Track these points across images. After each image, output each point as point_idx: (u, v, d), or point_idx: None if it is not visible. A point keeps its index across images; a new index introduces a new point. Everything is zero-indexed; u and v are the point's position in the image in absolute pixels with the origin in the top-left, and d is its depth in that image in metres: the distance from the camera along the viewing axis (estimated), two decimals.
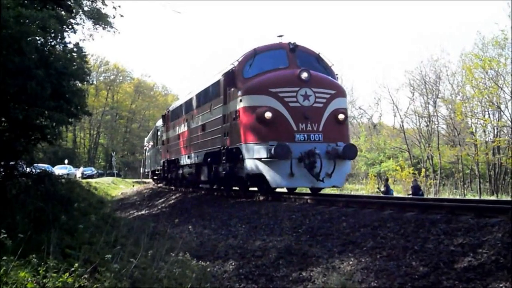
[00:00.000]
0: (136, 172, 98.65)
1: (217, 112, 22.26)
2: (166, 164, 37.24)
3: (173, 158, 33.57)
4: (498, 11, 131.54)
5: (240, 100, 19.22)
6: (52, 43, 18.76)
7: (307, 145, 17.96)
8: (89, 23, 23.91)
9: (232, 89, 20.36)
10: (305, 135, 18.19)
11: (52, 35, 17.84)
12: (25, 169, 20.33)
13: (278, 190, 20.79)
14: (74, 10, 21.63)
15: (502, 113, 52.02)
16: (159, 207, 26.99)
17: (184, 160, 29.28)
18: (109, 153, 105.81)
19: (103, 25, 24.27)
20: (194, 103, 27.29)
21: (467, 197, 38.51)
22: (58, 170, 51.16)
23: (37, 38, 16.87)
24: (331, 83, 19.50)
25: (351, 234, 11.11)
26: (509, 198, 38.28)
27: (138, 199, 35.32)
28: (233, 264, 11.25)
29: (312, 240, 11.60)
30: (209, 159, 23.56)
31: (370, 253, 9.60)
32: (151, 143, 52.18)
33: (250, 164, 18.53)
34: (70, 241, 10.66)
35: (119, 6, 23.92)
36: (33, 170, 20.61)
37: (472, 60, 51.96)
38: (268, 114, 18.17)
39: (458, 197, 39.17)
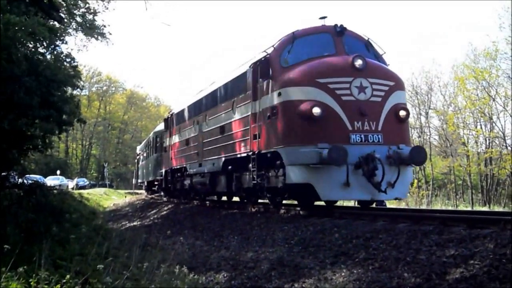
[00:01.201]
0: (128, 183, 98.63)
1: (242, 111, 18.92)
2: (169, 173, 32.58)
3: (178, 167, 29.84)
4: (490, 23, 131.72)
5: (279, 94, 16.05)
6: (42, 51, 18.78)
7: (365, 147, 14.94)
8: (81, 34, 24.04)
9: (265, 81, 17.07)
10: (362, 136, 15.07)
11: (43, 43, 17.83)
12: (16, 180, 20.30)
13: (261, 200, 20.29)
14: (66, 21, 21.71)
15: (494, 124, 52.23)
16: (151, 218, 26.92)
17: (194, 169, 25.60)
18: (101, 164, 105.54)
19: (96, 36, 24.40)
20: (206, 103, 24.03)
21: (459, 208, 38.56)
22: (50, 181, 50.98)
23: (28, 46, 16.86)
24: (390, 73, 16.43)
25: (343, 246, 11.09)
26: (501, 209, 38.34)
27: (130, 210, 35.20)
28: (225, 275, 11.22)
29: (304, 251, 11.58)
30: (229, 167, 20.28)
31: (362, 265, 9.59)
32: (145, 152, 48.95)
33: (293, 171, 15.28)
34: (62, 253, 10.64)
35: (109, 25, 24.13)
36: (25, 181, 20.57)
37: (464, 72, 52.23)
38: (316, 110, 14.95)
39: (450, 208, 39.22)
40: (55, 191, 25.60)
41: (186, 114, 28.51)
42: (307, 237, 12.63)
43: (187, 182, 27.89)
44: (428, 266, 8.52)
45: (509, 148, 50.50)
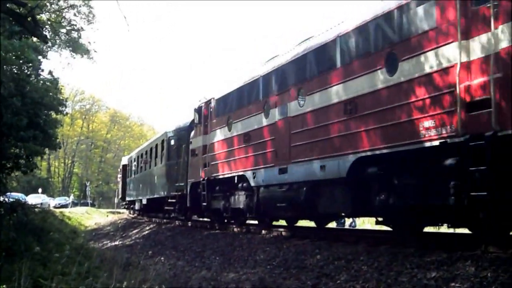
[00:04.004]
0: (110, 202, 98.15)
1: (422, 68, 11.04)
2: (204, 186, 22.44)
3: (224, 176, 20.78)
4: None
5: None
6: (28, 73, 18.81)
7: None
8: (66, 52, 24.08)
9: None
10: None
11: (29, 64, 17.89)
12: None
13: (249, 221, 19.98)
14: (51, 40, 21.78)
15: None
16: (133, 238, 26.82)
17: (266, 178, 17.42)
18: (84, 182, 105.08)
19: (81, 53, 24.46)
20: (305, 67, 15.57)
21: (441, 230, 38.62)
22: (32, 199, 50.66)
23: (13, 67, 16.90)
24: None
25: (324, 267, 11.12)
26: None
27: (112, 230, 35.03)
28: None
29: (286, 272, 11.60)
30: (369, 169, 12.53)
31: (344, 286, 9.62)
32: (143, 162, 38.84)
33: None
34: (43, 272, 10.56)
35: (94, 42, 24.13)
36: (6, 199, 20.43)
37: None
38: None
39: (432, 230, 39.24)
40: (36, 209, 25.42)
41: (245, 94, 19.59)
42: (288, 258, 12.69)
43: (242, 198, 19.42)
44: None
45: None
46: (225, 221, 22.38)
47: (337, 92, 13.81)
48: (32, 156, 19.23)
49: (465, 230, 11.67)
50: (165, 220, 29.86)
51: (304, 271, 11.34)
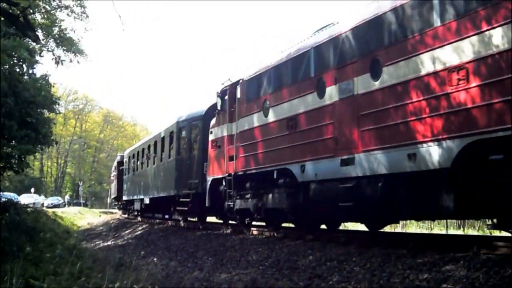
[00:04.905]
0: (103, 202, 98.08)
1: None
2: (231, 182, 18.85)
3: (261, 170, 17.04)
4: None
5: None
6: (20, 72, 18.79)
7: None
8: (59, 51, 24.01)
9: None
10: None
11: (20, 63, 17.87)
12: None
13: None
14: (43, 40, 21.74)
15: None
16: (125, 238, 26.77)
17: (324, 170, 13.78)
18: (76, 182, 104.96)
19: (74, 52, 24.39)
20: (367, 37, 12.69)
21: (434, 231, 38.80)
22: (25, 199, 50.59)
23: (6, 67, 16.87)
24: None
25: (317, 268, 11.13)
26: (475, 233, 38.63)
27: (104, 230, 34.95)
28: None
29: (278, 273, 11.60)
30: (492, 156, 9.37)
31: (336, 287, 9.62)
32: (145, 157, 35.11)
33: None
34: (35, 272, 10.54)
35: (82, 37, 24.06)
36: None
37: None
38: None
39: (425, 231, 39.43)
40: (29, 209, 25.39)
41: (287, 72, 16.01)
42: (281, 259, 12.68)
43: (283, 197, 15.90)
44: None
45: None
46: (250, 223, 19.10)
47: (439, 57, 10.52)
48: (24, 155, 19.19)
49: (456, 231, 11.71)
50: (157, 221, 29.76)
51: (297, 272, 11.34)
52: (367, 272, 9.86)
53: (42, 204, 58.20)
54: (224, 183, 19.53)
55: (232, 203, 18.77)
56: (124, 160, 45.69)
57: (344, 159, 12.84)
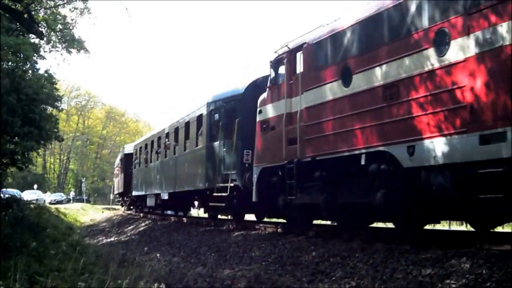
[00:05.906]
0: (105, 198, 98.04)
1: None
2: (292, 171, 14.83)
3: (341, 154, 13.06)
4: None
5: None
6: (23, 68, 18.80)
7: None
8: (61, 48, 24.01)
9: None
10: None
11: (25, 61, 17.90)
12: None
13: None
14: (46, 36, 21.77)
15: None
16: (129, 234, 26.77)
17: (453, 151, 9.85)
18: (79, 178, 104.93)
19: (77, 48, 24.38)
20: None
21: (436, 227, 38.67)
22: (27, 195, 50.61)
23: (9, 63, 16.89)
24: None
25: (320, 264, 11.12)
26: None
27: (107, 226, 34.95)
28: None
29: (281, 269, 11.60)
30: None
31: (339, 283, 9.61)
32: (162, 147, 30.74)
33: None
34: (38, 268, 10.57)
35: (85, 34, 24.07)
36: (2, 195, 20.45)
37: None
38: None
39: (428, 227, 39.18)
40: (32, 205, 25.43)
41: (382, 27, 11.99)
42: (284, 254, 12.67)
43: (373, 188, 12.11)
44: (404, 285, 8.57)
45: None
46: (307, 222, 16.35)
47: None
48: (27, 152, 19.23)
49: (459, 227, 11.69)
50: (159, 217, 29.76)
51: (300, 267, 11.34)
52: (370, 268, 9.85)
53: (44, 201, 58.14)
54: (279, 173, 15.87)
55: (294, 197, 14.90)
56: (133, 152, 42.33)
57: (486, 135, 9.21)
